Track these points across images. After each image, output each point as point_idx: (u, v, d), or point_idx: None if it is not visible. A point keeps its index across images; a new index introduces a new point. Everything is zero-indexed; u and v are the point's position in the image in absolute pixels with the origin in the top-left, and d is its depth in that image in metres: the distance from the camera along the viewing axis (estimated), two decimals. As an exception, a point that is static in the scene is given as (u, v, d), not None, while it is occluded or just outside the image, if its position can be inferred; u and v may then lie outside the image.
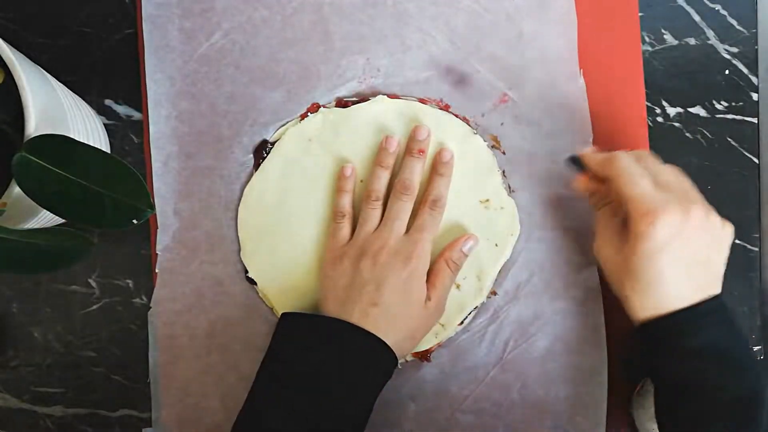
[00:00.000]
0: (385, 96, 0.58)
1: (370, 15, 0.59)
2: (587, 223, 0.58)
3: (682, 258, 0.48)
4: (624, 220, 0.50)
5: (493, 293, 0.59)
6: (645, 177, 0.49)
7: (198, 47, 0.58)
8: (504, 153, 0.59)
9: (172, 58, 0.58)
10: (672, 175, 0.50)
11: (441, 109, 0.58)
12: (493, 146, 0.59)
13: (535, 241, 0.59)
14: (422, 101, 0.59)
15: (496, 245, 0.58)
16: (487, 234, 0.58)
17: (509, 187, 0.59)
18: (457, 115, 0.58)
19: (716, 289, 0.49)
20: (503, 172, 0.59)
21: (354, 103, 0.58)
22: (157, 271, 0.58)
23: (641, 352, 0.51)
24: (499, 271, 0.58)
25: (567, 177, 0.57)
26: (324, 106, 0.58)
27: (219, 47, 0.58)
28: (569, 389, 0.58)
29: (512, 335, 0.58)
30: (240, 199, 0.58)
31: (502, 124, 0.59)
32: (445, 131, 0.58)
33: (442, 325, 0.58)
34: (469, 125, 0.58)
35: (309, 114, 0.58)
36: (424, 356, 0.58)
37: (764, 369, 0.59)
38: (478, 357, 0.58)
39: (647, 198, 0.48)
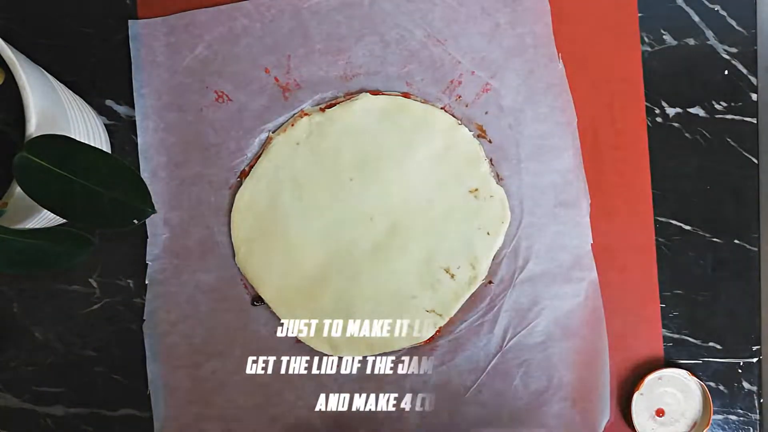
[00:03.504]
0: (368, 93, 0.59)
1: (347, 15, 0.59)
2: (579, 206, 0.59)
3: None
4: None
5: (489, 282, 0.59)
6: None
7: (182, 60, 0.59)
8: (490, 142, 0.59)
9: (158, 73, 0.59)
10: None
11: (424, 101, 0.59)
12: (479, 136, 0.59)
13: (527, 227, 0.59)
14: (405, 96, 0.59)
15: (488, 233, 0.58)
16: (478, 223, 0.59)
17: (497, 175, 0.59)
18: (444, 108, 0.59)
19: None
20: (490, 160, 0.59)
21: (339, 102, 0.59)
22: (147, 282, 0.58)
23: None
24: (493, 260, 0.59)
25: (555, 161, 0.58)
26: (306, 113, 0.59)
27: (203, 58, 0.59)
28: (571, 373, 0.59)
29: (511, 323, 0.59)
30: (230, 205, 0.59)
31: (486, 113, 0.59)
32: (430, 124, 0.59)
33: (440, 315, 0.58)
34: (454, 116, 0.59)
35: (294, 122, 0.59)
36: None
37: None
38: (478, 347, 0.59)
39: None
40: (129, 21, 0.59)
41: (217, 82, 0.59)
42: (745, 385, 0.61)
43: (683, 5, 0.61)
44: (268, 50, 0.59)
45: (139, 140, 0.59)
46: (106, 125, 0.59)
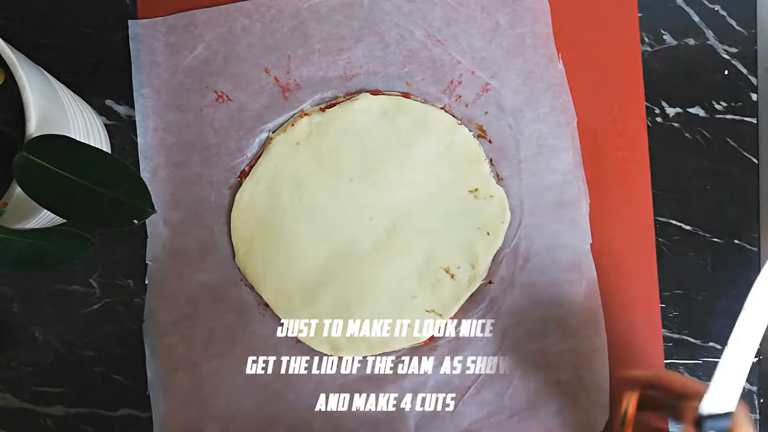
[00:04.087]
0: (368, 93, 0.59)
1: (347, 15, 0.59)
2: (579, 206, 0.59)
3: None
4: None
5: (489, 282, 0.59)
6: None
7: (183, 60, 0.59)
8: (490, 142, 0.59)
9: (158, 73, 0.59)
10: None
11: (424, 101, 0.59)
12: (479, 136, 0.59)
13: (527, 228, 0.59)
14: (405, 95, 0.59)
15: (488, 233, 0.59)
16: (478, 223, 0.59)
17: (497, 176, 0.59)
18: (444, 108, 0.59)
19: None
20: (490, 160, 0.59)
21: (339, 102, 0.59)
22: (147, 282, 0.58)
23: None
24: (493, 259, 0.59)
25: (555, 161, 0.59)
26: (306, 113, 0.59)
27: (203, 58, 0.59)
28: (571, 373, 0.59)
29: (510, 323, 0.59)
30: (230, 205, 0.59)
31: (486, 113, 0.59)
32: (430, 124, 0.59)
33: (440, 315, 0.58)
34: (454, 116, 0.59)
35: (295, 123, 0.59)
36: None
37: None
38: (478, 347, 0.59)
39: None
40: (129, 21, 0.59)
41: (217, 82, 0.59)
42: (745, 385, 0.60)
43: (683, 5, 0.61)
44: (268, 50, 0.59)
45: (139, 140, 0.59)
46: (106, 125, 0.59)
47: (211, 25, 0.59)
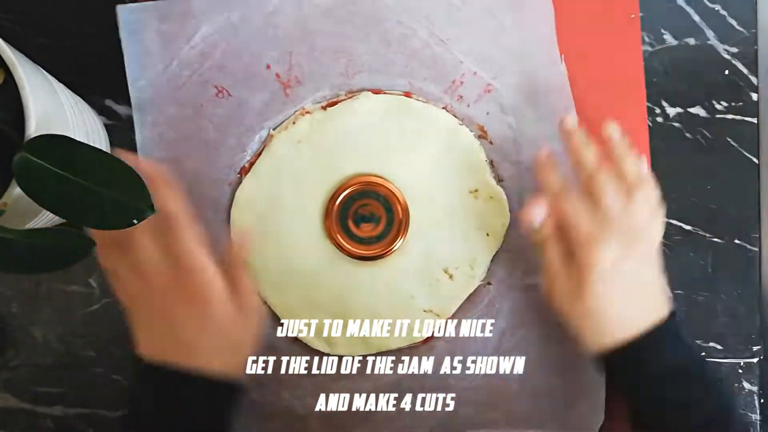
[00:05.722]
0: (370, 92, 0.58)
1: (350, 12, 0.59)
2: None
3: (630, 284, 0.50)
4: (569, 251, 0.51)
5: (488, 284, 0.59)
6: (583, 204, 0.51)
7: (178, 51, 0.58)
8: (491, 143, 0.59)
9: (152, 64, 0.57)
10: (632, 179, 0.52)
11: (425, 101, 0.59)
12: (480, 136, 0.59)
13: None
14: (407, 95, 0.59)
15: (488, 235, 0.58)
16: (478, 224, 0.58)
17: (498, 177, 0.59)
18: (445, 107, 0.59)
19: (665, 309, 0.51)
20: (491, 161, 0.59)
21: (340, 100, 0.59)
22: None
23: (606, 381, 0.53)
24: (492, 261, 0.59)
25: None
26: (307, 111, 0.58)
27: (200, 50, 0.58)
28: (568, 376, 0.59)
29: (508, 324, 0.59)
30: (230, 201, 0.58)
31: (487, 113, 0.59)
32: (431, 124, 0.58)
33: (438, 315, 0.58)
34: (455, 116, 0.59)
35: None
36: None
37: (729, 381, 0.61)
38: (475, 348, 0.59)
39: (586, 228, 0.50)
40: (117, 6, 0.56)
41: (216, 76, 0.58)
42: (746, 385, 0.61)
43: (684, 5, 0.61)
44: (269, 45, 0.58)
45: (138, 135, 0.58)
46: (105, 125, 0.59)
47: (208, 14, 0.57)
